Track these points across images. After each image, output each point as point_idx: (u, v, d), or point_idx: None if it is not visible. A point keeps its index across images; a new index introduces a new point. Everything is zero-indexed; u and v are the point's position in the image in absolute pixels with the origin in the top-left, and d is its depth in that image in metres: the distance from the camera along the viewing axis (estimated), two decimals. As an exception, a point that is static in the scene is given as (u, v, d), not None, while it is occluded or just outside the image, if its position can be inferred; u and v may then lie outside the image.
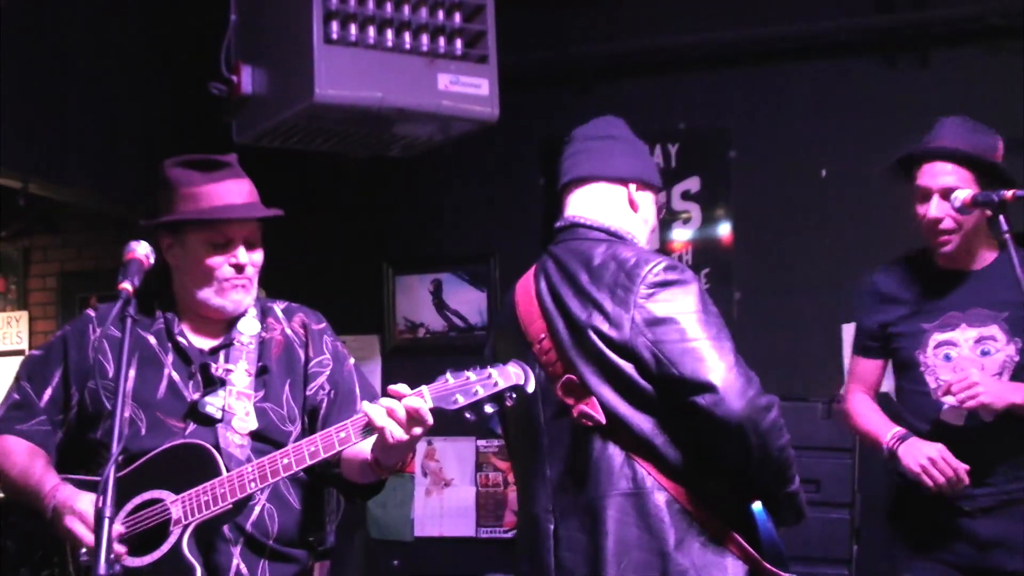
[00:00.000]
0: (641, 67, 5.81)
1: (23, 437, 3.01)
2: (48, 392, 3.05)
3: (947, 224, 3.70)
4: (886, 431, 3.78)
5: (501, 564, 5.83)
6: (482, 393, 2.72)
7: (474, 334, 6.09)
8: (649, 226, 3.28)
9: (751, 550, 2.94)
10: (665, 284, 2.95)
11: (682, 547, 2.91)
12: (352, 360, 3.22)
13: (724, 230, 5.73)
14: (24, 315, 7.90)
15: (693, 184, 5.77)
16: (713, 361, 2.86)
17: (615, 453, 2.97)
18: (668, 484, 2.94)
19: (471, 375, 2.74)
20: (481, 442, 5.99)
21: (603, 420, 2.95)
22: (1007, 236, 3.36)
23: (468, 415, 2.74)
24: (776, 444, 2.90)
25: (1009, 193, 3.37)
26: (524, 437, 3.21)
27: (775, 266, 5.66)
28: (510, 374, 2.75)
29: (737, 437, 2.85)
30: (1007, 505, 3.70)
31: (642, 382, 2.93)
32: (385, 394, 2.73)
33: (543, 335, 3.10)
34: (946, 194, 3.66)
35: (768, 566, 2.95)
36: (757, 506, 2.98)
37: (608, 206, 3.22)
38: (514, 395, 2.76)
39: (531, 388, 2.78)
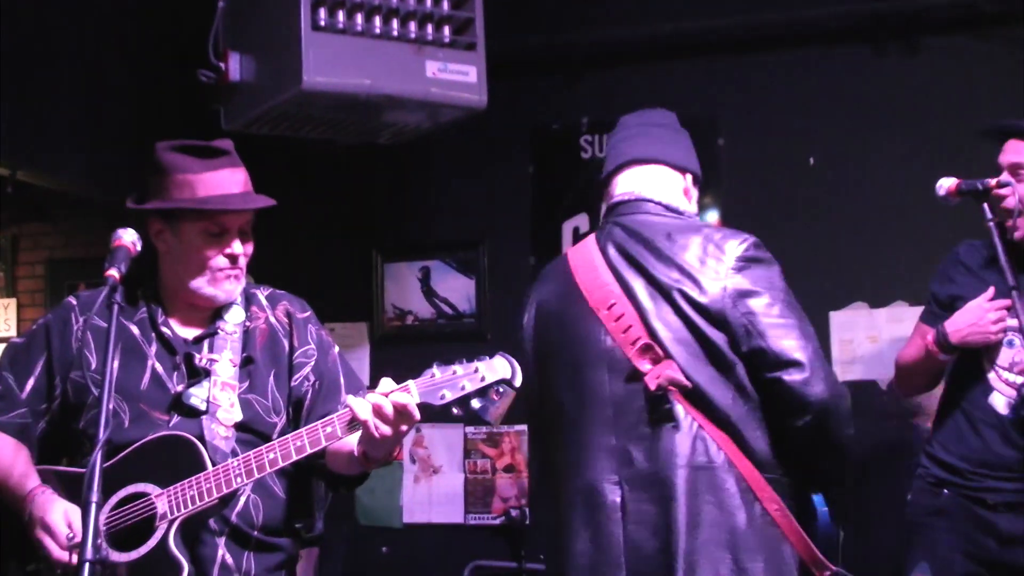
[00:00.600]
0: (630, 55, 5.80)
1: (3, 430, 2.98)
2: (31, 382, 3.02)
3: (1009, 203, 3.64)
4: (925, 340, 3.78)
5: (489, 551, 5.85)
6: (469, 388, 2.69)
7: (463, 321, 6.09)
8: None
9: (806, 537, 2.93)
10: (756, 260, 2.99)
11: (751, 525, 2.89)
12: (337, 349, 3.20)
13: (712, 217, 5.73)
14: (12, 302, 7.90)
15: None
16: (802, 340, 2.90)
17: (689, 423, 2.93)
18: (740, 462, 2.92)
19: (458, 369, 2.71)
20: (469, 429, 5.99)
21: (688, 384, 2.91)
22: (991, 224, 3.37)
23: (455, 410, 2.72)
24: (846, 431, 2.94)
25: (993, 181, 3.38)
26: (581, 407, 3.10)
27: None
28: (497, 368, 2.71)
29: (817, 417, 2.87)
30: None
31: (728, 352, 2.93)
32: (372, 386, 2.72)
33: (613, 301, 3.05)
34: (1014, 170, 3.63)
35: (820, 556, 2.94)
36: (817, 495, 3.01)
37: (668, 188, 3.20)
38: (501, 389, 2.72)
39: (518, 382, 2.73)
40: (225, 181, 2.98)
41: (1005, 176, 3.62)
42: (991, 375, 3.75)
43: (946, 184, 3.53)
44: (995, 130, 3.77)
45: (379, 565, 6.10)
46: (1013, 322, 3.67)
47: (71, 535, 2.73)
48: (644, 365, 2.96)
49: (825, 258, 5.41)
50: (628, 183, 3.22)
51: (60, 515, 2.77)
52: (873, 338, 5.40)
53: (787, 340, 2.88)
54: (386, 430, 2.68)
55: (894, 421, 5.24)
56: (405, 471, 6.08)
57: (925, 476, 3.88)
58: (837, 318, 5.46)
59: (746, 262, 2.96)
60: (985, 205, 3.39)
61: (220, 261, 2.99)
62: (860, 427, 4.17)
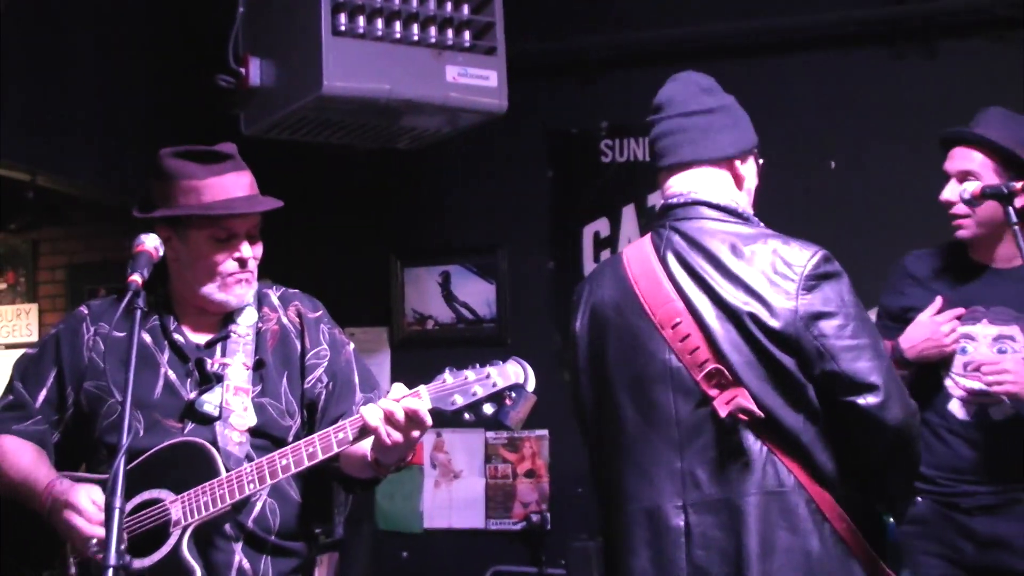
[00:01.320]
0: (648, 58, 5.79)
1: (21, 437, 2.99)
2: (43, 393, 3.03)
3: (959, 209, 3.70)
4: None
5: (510, 556, 5.84)
6: (480, 393, 2.69)
7: (483, 326, 6.09)
8: (751, 193, 3.17)
9: (873, 553, 2.87)
10: (826, 276, 2.87)
11: (823, 547, 2.81)
12: (352, 347, 3.18)
13: (732, 222, 5.72)
14: (34, 307, 7.92)
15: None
16: (875, 362, 2.79)
17: (758, 449, 2.83)
18: (809, 484, 2.83)
19: (470, 374, 2.71)
20: (490, 434, 5.98)
21: (760, 414, 2.81)
22: (1016, 227, 3.35)
23: (467, 415, 2.71)
24: (918, 450, 2.87)
25: (1019, 184, 3.36)
26: (643, 426, 2.99)
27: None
28: (509, 373, 2.71)
29: (892, 440, 2.79)
30: (1008, 505, 3.71)
31: (799, 375, 2.82)
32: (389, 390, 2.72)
33: (678, 319, 2.91)
34: (962, 178, 3.67)
35: (887, 570, 2.88)
36: (888, 516, 2.95)
37: (721, 188, 3.06)
38: (513, 394, 2.71)
39: (531, 387, 2.72)
40: (230, 185, 2.97)
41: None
42: (948, 382, 3.79)
43: (970, 187, 3.53)
44: (943, 139, 3.84)
45: (399, 570, 6.10)
46: (965, 329, 3.73)
47: (99, 511, 2.74)
48: (712, 390, 2.86)
49: (846, 262, 5.35)
50: (682, 183, 3.07)
51: (84, 495, 2.78)
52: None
53: (861, 362, 2.78)
54: (397, 436, 2.68)
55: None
56: (425, 476, 6.08)
57: None
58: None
59: (817, 279, 2.84)
60: (1010, 208, 3.38)
61: (230, 266, 2.99)
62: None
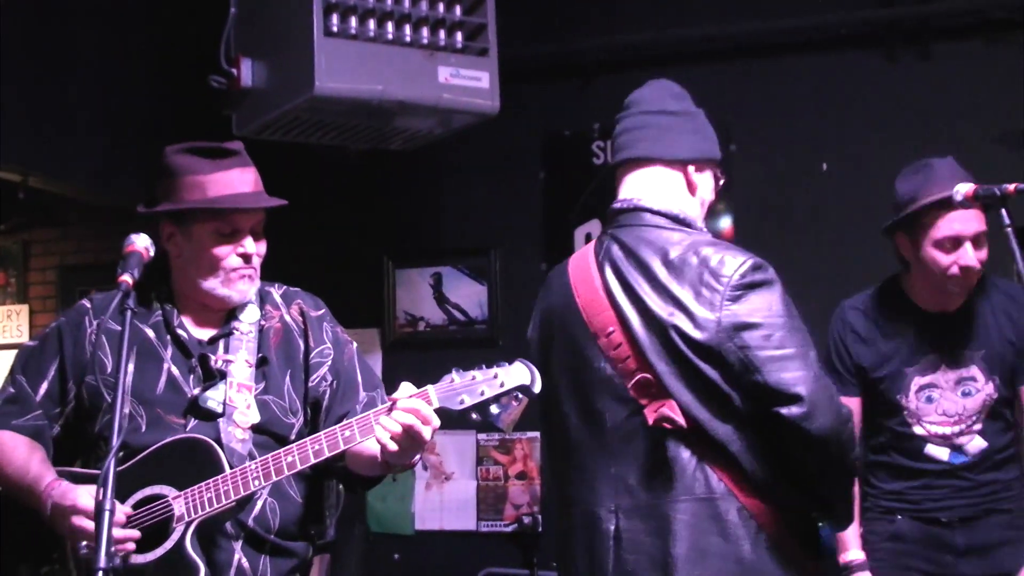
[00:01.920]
0: (642, 60, 5.79)
1: (19, 432, 2.97)
2: (44, 386, 3.01)
3: (976, 271, 3.71)
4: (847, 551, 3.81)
5: (501, 558, 5.83)
6: (488, 394, 2.70)
7: (474, 328, 6.08)
8: (706, 205, 3.13)
9: (807, 559, 2.88)
10: (753, 286, 2.83)
11: (755, 553, 2.81)
12: (354, 345, 3.19)
13: (725, 223, 5.71)
14: (24, 308, 7.90)
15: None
16: (801, 372, 2.76)
17: (687, 457, 2.83)
18: (740, 491, 2.82)
19: (477, 375, 2.72)
20: (482, 436, 5.98)
21: (684, 424, 2.81)
22: (1009, 230, 3.34)
23: (474, 415, 2.72)
24: (851, 455, 2.85)
25: (1011, 187, 3.35)
26: (584, 430, 3.03)
27: (776, 260, 5.52)
28: (515, 374, 2.71)
29: (820, 449, 2.77)
30: (985, 515, 3.77)
31: (725, 387, 2.80)
32: (386, 392, 2.73)
33: (612, 328, 2.93)
34: (978, 241, 3.67)
35: None
36: (821, 522, 2.93)
37: (667, 190, 3.05)
38: (519, 395, 2.72)
39: (537, 388, 2.72)
40: (236, 181, 2.98)
41: None
42: (920, 431, 3.80)
43: (963, 190, 3.47)
44: (925, 207, 3.72)
45: (391, 572, 6.09)
46: (926, 379, 3.76)
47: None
48: (643, 399, 2.88)
49: (837, 264, 5.38)
50: (629, 187, 3.09)
51: (86, 495, 2.75)
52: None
53: (786, 373, 2.75)
54: (410, 444, 2.70)
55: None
56: (417, 478, 6.07)
57: (874, 507, 3.90)
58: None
59: (743, 289, 2.81)
60: (1004, 210, 3.37)
61: (233, 261, 2.98)
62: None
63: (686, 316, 2.82)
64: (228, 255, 2.98)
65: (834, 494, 2.92)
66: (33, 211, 7.03)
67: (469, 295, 6.12)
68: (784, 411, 2.74)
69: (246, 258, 3.00)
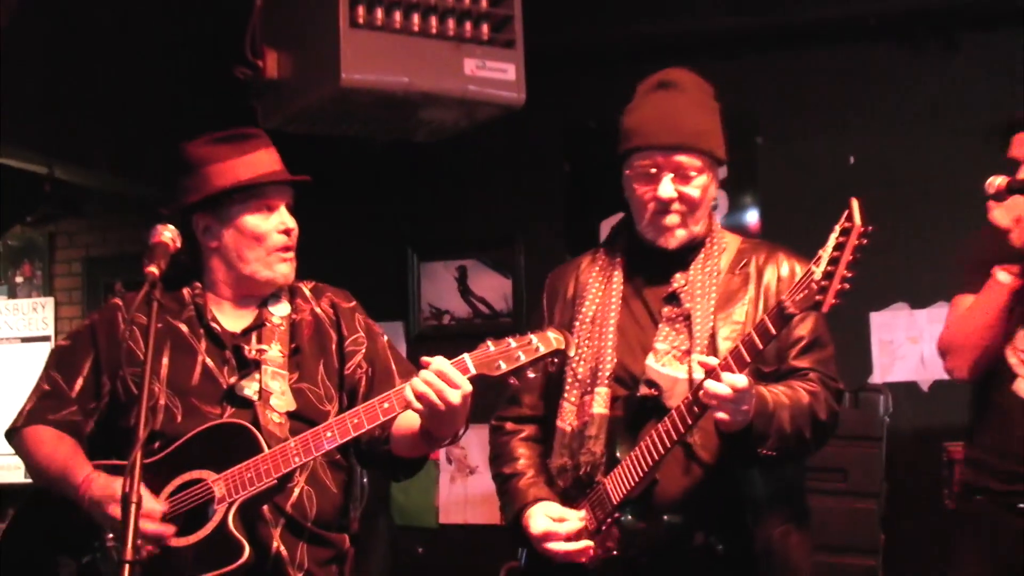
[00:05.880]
0: (667, 52, 5.75)
1: (55, 427, 2.99)
2: (79, 382, 3.03)
3: None
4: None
5: (525, 551, 5.81)
6: (524, 359, 2.72)
7: (499, 320, 6.07)
8: (715, 203, 3.40)
9: None
10: None
11: None
12: (385, 337, 3.20)
13: (752, 217, 5.70)
14: (50, 301, 7.91)
15: (720, 170, 5.68)
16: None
17: None
18: None
19: (512, 342, 2.74)
20: (506, 429, 5.96)
21: None
22: None
23: (512, 380, 2.76)
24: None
25: None
26: None
27: (803, 253, 5.59)
28: (551, 339, 2.74)
29: None
30: None
31: None
32: (419, 366, 2.73)
33: None
34: None
35: None
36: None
37: None
38: (555, 360, 2.76)
39: (572, 352, 2.84)
40: (262, 161, 3.01)
41: None
42: (1012, 360, 3.61)
43: (996, 182, 3.41)
44: (1009, 124, 3.66)
45: (414, 565, 6.09)
46: None
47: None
48: None
49: (864, 258, 5.34)
50: None
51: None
52: (914, 339, 5.35)
53: None
54: (438, 403, 2.68)
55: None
56: (441, 471, 6.07)
57: (963, 480, 3.80)
58: (877, 319, 5.43)
59: None
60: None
61: (276, 239, 3.01)
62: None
63: None
64: (270, 232, 3.00)
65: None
66: (58, 203, 7.03)
67: (494, 288, 6.11)
68: None
69: (287, 233, 3.01)
